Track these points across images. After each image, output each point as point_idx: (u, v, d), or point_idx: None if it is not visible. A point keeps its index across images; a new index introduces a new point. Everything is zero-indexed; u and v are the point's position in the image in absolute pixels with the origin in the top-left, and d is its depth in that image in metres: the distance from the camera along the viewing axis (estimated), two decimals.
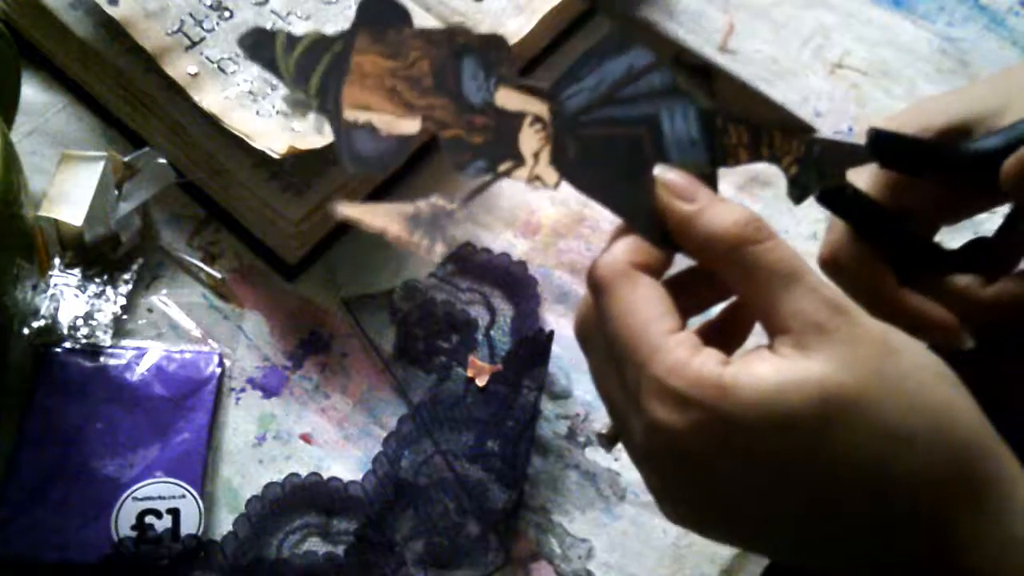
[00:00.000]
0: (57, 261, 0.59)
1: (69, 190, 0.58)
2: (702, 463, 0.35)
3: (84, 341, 0.57)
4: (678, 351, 0.35)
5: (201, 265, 0.61)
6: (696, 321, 0.40)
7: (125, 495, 0.53)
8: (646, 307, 0.36)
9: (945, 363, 0.36)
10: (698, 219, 0.37)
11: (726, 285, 0.38)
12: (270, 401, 0.58)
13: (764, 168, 0.47)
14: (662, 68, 0.38)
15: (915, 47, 0.73)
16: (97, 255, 0.59)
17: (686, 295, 0.38)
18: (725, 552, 0.55)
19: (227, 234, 0.62)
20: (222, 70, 0.60)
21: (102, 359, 0.57)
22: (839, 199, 0.42)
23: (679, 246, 0.38)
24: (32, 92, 0.65)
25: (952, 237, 0.47)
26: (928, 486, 0.34)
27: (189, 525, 0.52)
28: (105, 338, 0.57)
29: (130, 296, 0.59)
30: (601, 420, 0.58)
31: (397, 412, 0.58)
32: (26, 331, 0.56)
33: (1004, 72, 0.47)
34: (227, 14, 0.62)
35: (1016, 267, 0.45)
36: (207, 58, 0.60)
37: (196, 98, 0.58)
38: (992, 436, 0.35)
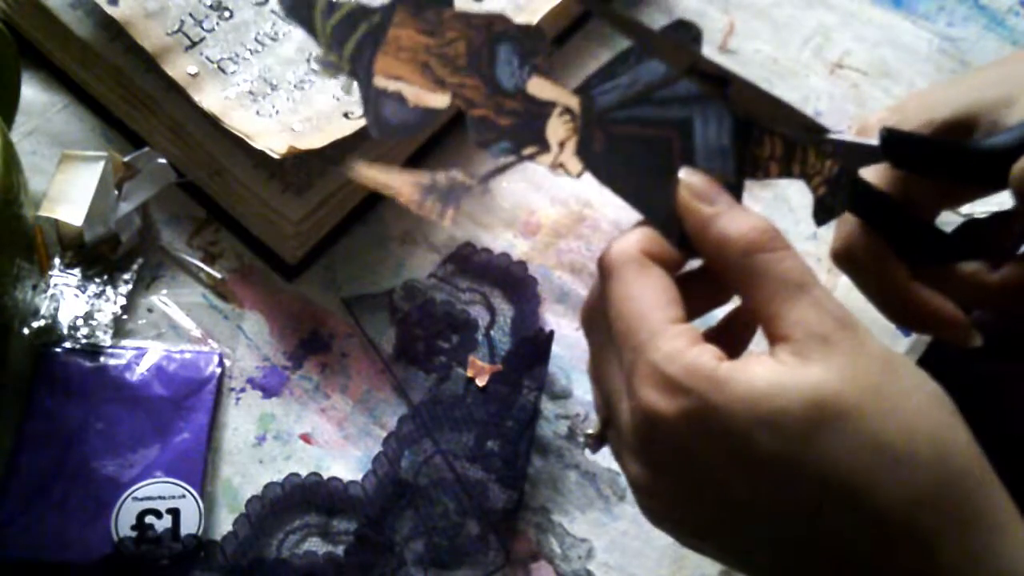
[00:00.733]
0: (57, 261, 0.59)
1: (69, 190, 0.58)
2: (685, 452, 0.35)
3: (84, 341, 0.57)
4: (677, 339, 0.35)
5: (201, 265, 0.61)
6: (699, 324, 0.40)
7: (125, 495, 0.53)
8: (651, 293, 0.37)
9: (943, 391, 0.36)
10: (715, 222, 0.37)
11: (730, 291, 0.38)
12: (270, 401, 0.58)
13: None
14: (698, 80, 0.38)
15: (915, 47, 0.73)
16: (97, 255, 0.59)
17: (691, 296, 0.38)
18: None
19: (227, 234, 0.62)
20: (222, 70, 0.60)
21: (102, 359, 0.57)
22: (850, 194, 0.42)
23: (695, 250, 0.38)
24: (32, 92, 0.65)
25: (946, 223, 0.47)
26: (920, 507, 0.33)
27: (189, 525, 0.52)
28: (105, 338, 0.57)
29: (130, 296, 0.59)
30: (594, 422, 0.58)
31: (397, 412, 0.58)
32: (26, 331, 0.56)
33: (1005, 60, 0.46)
34: (227, 14, 0.62)
35: (1017, 251, 0.45)
36: (207, 58, 0.60)
37: (196, 98, 0.58)
38: (986, 468, 0.35)
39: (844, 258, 0.45)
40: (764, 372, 0.34)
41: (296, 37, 0.62)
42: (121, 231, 0.59)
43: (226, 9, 0.62)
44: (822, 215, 0.40)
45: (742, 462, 0.34)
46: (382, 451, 0.56)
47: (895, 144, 0.41)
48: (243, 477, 0.56)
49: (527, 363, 0.57)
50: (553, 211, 0.65)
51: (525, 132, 0.39)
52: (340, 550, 0.53)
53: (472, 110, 0.38)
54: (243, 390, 0.58)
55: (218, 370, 0.57)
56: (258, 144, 0.56)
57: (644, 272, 0.37)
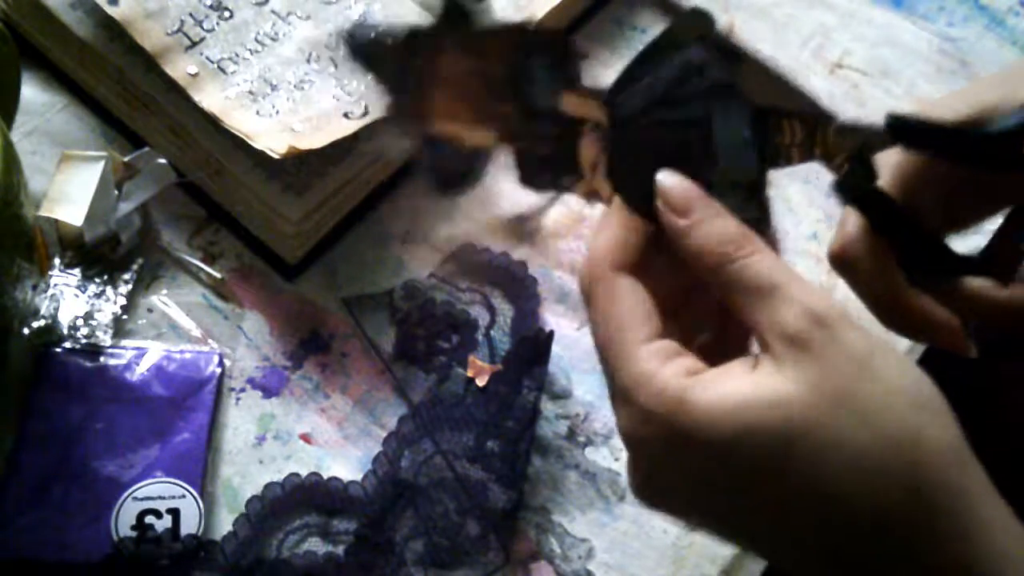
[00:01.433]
0: (57, 261, 0.59)
1: (69, 190, 0.58)
2: (664, 469, 0.35)
3: (84, 341, 0.57)
4: (644, 363, 0.35)
5: (201, 265, 0.61)
6: None
7: (125, 495, 0.53)
8: (620, 314, 0.36)
9: (932, 384, 0.35)
10: (687, 235, 0.36)
11: None
12: (270, 401, 0.58)
13: None
14: (716, 63, 0.37)
15: (915, 47, 0.73)
16: (97, 255, 0.59)
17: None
18: (725, 552, 0.55)
19: (227, 234, 0.62)
20: (222, 70, 0.60)
21: (102, 359, 0.57)
22: (859, 191, 0.41)
23: None
24: (32, 92, 0.65)
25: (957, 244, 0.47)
26: (892, 518, 0.33)
27: (189, 525, 0.52)
28: (105, 338, 0.57)
29: (130, 296, 0.59)
30: (600, 420, 0.58)
31: (397, 412, 0.58)
32: (26, 331, 0.56)
33: (1005, 70, 0.46)
34: (227, 14, 0.62)
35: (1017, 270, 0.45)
36: (207, 58, 0.60)
37: (196, 98, 0.58)
38: (966, 471, 0.34)
39: (840, 259, 0.44)
40: (733, 388, 0.34)
41: (296, 37, 0.62)
42: (121, 231, 0.59)
43: (226, 9, 0.62)
44: (846, 192, 0.39)
45: (713, 479, 0.34)
46: (382, 451, 0.56)
47: (901, 123, 0.40)
48: (243, 477, 0.56)
49: (527, 363, 0.57)
50: (553, 211, 0.65)
51: (562, 160, 0.38)
52: (340, 550, 0.53)
53: (513, 145, 0.38)
54: (243, 390, 0.58)
55: (218, 370, 0.57)
56: (258, 144, 0.56)
57: (613, 291, 0.37)
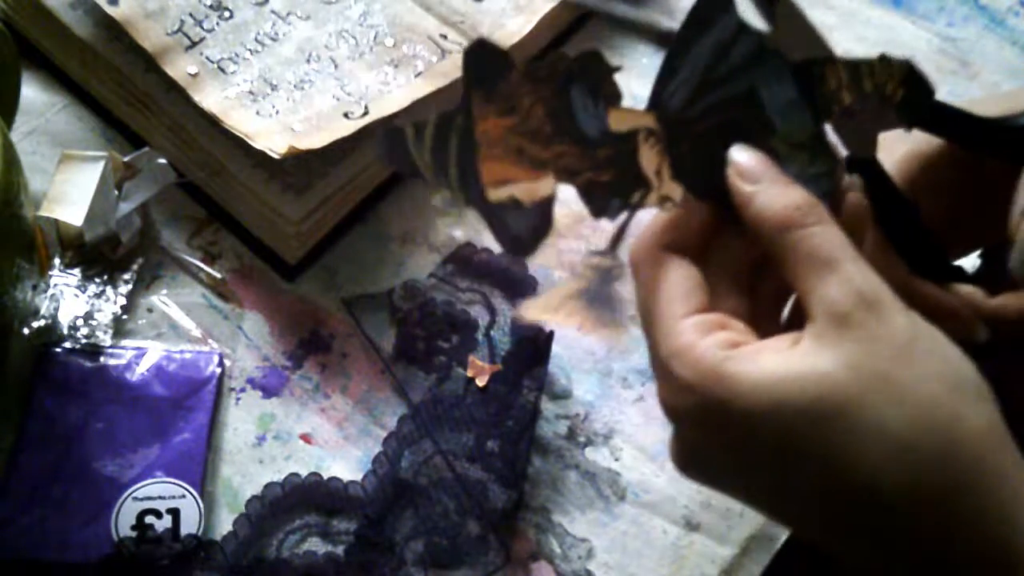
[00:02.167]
0: (57, 261, 0.59)
1: (69, 190, 0.58)
2: (700, 442, 0.36)
3: (84, 341, 0.57)
4: (684, 336, 0.36)
5: (201, 265, 0.61)
6: None
7: (125, 495, 0.53)
8: (665, 288, 0.37)
9: (975, 370, 0.35)
10: (754, 200, 0.37)
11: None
12: (270, 401, 0.58)
13: None
14: (747, 32, 0.37)
15: (915, 47, 0.73)
16: (97, 255, 0.59)
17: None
18: (725, 552, 0.55)
19: (227, 234, 0.62)
20: (222, 70, 0.60)
21: (102, 359, 0.57)
22: (866, 171, 0.41)
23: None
24: (32, 92, 0.65)
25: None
26: (925, 503, 0.33)
27: (189, 525, 0.52)
28: (105, 338, 0.57)
29: (130, 296, 0.59)
30: (601, 420, 0.58)
31: (397, 412, 0.58)
32: (26, 331, 0.56)
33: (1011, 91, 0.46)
34: (227, 14, 0.62)
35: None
36: (207, 58, 0.60)
37: (196, 98, 0.58)
38: (1003, 458, 0.34)
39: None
40: (772, 362, 0.34)
41: (296, 37, 0.62)
42: (121, 231, 0.59)
43: (226, 9, 0.62)
44: (908, 115, 0.39)
45: (748, 452, 0.35)
46: (382, 451, 0.56)
47: (936, 111, 0.40)
48: (243, 477, 0.56)
49: (527, 363, 0.57)
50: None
51: (626, 179, 0.38)
52: (340, 550, 0.53)
53: (576, 180, 0.37)
54: (243, 390, 0.58)
55: (218, 370, 0.57)
56: (258, 144, 0.56)
57: (658, 268, 0.38)
